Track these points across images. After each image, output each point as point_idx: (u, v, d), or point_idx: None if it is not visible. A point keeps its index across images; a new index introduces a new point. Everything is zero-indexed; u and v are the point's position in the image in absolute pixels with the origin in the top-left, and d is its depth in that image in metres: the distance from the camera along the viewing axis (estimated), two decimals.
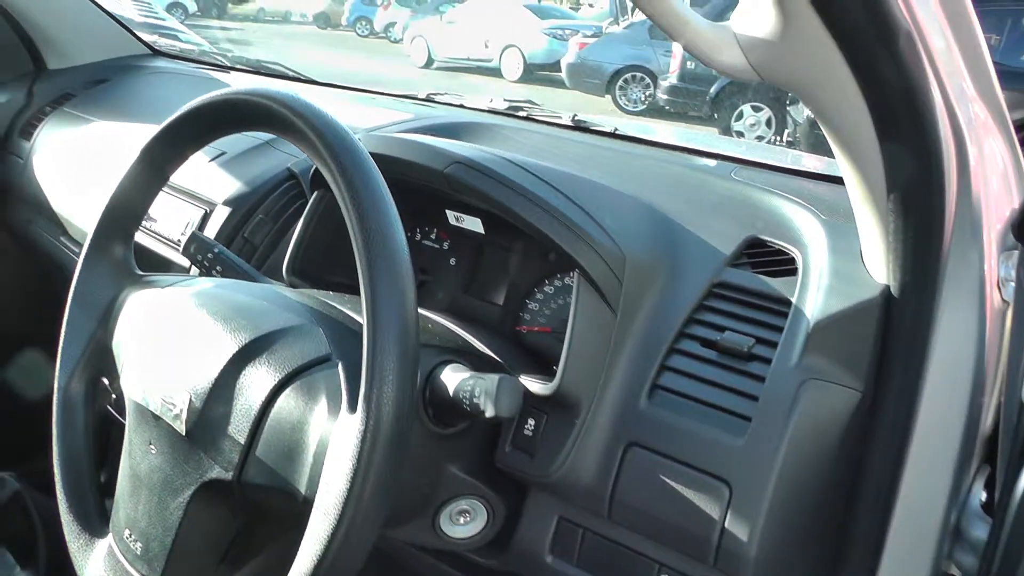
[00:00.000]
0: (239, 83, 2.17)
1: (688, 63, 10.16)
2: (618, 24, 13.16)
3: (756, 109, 9.62)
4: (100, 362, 1.10)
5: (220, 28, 21.92)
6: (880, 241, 0.93)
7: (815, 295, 1.02)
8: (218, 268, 1.23)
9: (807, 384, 0.96)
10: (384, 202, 0.84)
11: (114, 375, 1.07)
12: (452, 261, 1.34)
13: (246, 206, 1.51)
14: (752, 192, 1.26)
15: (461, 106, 1.95)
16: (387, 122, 1.70)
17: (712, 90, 9.81)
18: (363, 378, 0.78)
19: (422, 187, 1.18)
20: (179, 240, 1.55)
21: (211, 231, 1.50)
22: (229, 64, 2.56)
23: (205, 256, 1.23)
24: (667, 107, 10.69)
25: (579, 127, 1.72)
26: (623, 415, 1.05)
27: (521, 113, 1.83)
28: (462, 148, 1.19)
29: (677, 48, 10.36)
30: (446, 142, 1.23)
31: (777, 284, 1.08)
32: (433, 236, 1.37)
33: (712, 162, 1.46)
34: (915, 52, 0.72)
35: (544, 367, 1.17)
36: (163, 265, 1.57)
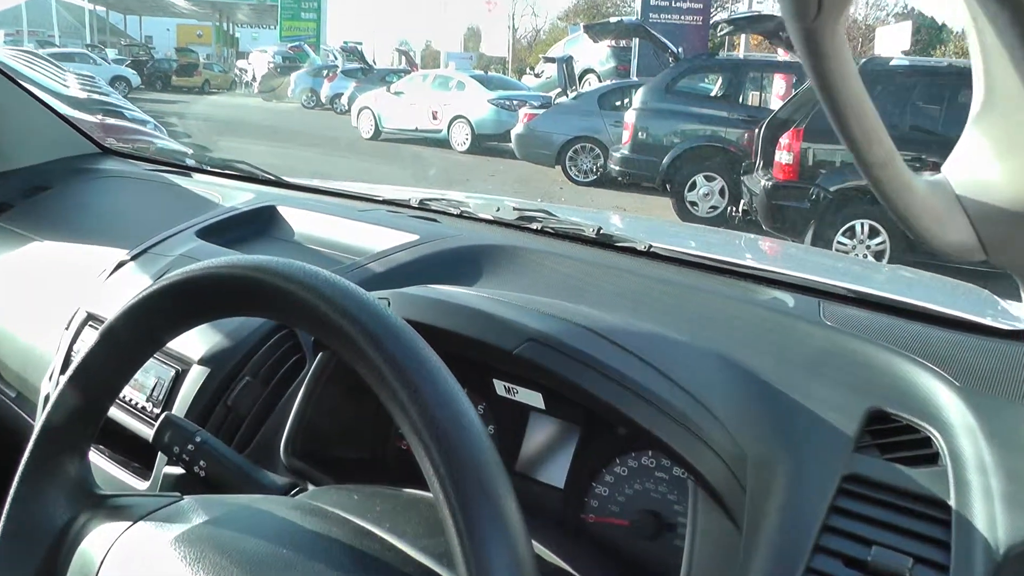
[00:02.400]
0: (203, 188, 1.91)
1: (640, 134, 10.15)
2: (567, 94, 13.20)
3: (709, 179, 9.63)
4: None
5: (165, 101, 21.77)
6: None
7: (984, 505, 0.83)
8: (202, 463, 0.96)
9: None
10: (469, 421, 0.63)
11: None
12: (490, 429, 1.09)
13: (229, 365, 1.24)
14: (857, 345, 1.04)
15: (463, 216, 1.71)
16: (391, 246, 1.46)
17: (664, 160, 9.80)
18: None
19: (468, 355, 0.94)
20: (143, 407, 1.28)
21: (185, 397, 1.24)
22: (189, 164, 2.30)
23: (184, 448, 0.96)
24: (619, 178, 10.69)
25: (605, 243, 1.49)
26: None
27: (534, 225, 1.59)
28: (531, 316, 0.97)
29: (628, 118, 10.36)
30: (510, 307, 1.02)
31: (922, 479, 0.87)
32: None
33: (788, 297, 1.23)
34: None
35: (623, 570, 0.97)
36: (121, 441, 1.29)
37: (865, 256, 7.09)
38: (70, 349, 1.46)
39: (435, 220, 1.68)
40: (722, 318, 1.15)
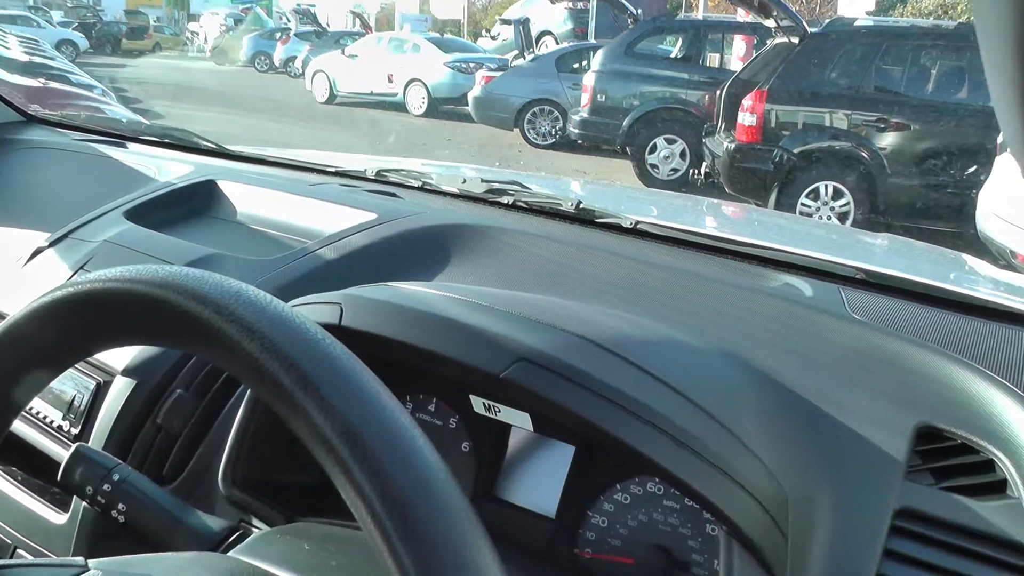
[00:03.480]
0: (138, 161, 1.72)
1: (599, 96, 10.01)
2: (524, 57, 12.98)
3: (670, 141, 9.51)
4: None
5: (114, 65, 21.19)
6: None
7: None
8: (121, 507, 0.79)
9: None
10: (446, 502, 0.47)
11: None
12: (465, 447, 0.94)
13: (158, 376, 1.07)
14: (894, 345, 0.89)
15: (425, 188, 1.54)
16: (345, 227, 1.29)
17: (624, 123, 9.66)
18: None
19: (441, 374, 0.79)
20: (59, 426, 1.10)
21: (108, 414, 1.07)
22: (123, 132, 2.09)
23: (99, 488, 0.80)
24: (578, 141, 10.54)
25: (585, 218, 1.33)
26: None
27: (505, 199, 1.43)
28: (519, 327, 0.81)
29: (587, 80, 10.19)
30: (492, 315, 0.85)
31: (989, 513, 0.73)
32: (432, 407, 0.96)
33: (803, 283, 1.08)
34: None
35: None
36: (34, 462, 1.12)
37: (830, 218, 7.03)
38: None
39: (394, 195, 1.51)
40: (734, 312, 0.99)
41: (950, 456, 0.79)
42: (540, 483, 0.91)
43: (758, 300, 1.02)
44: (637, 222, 1.31)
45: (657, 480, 0.85)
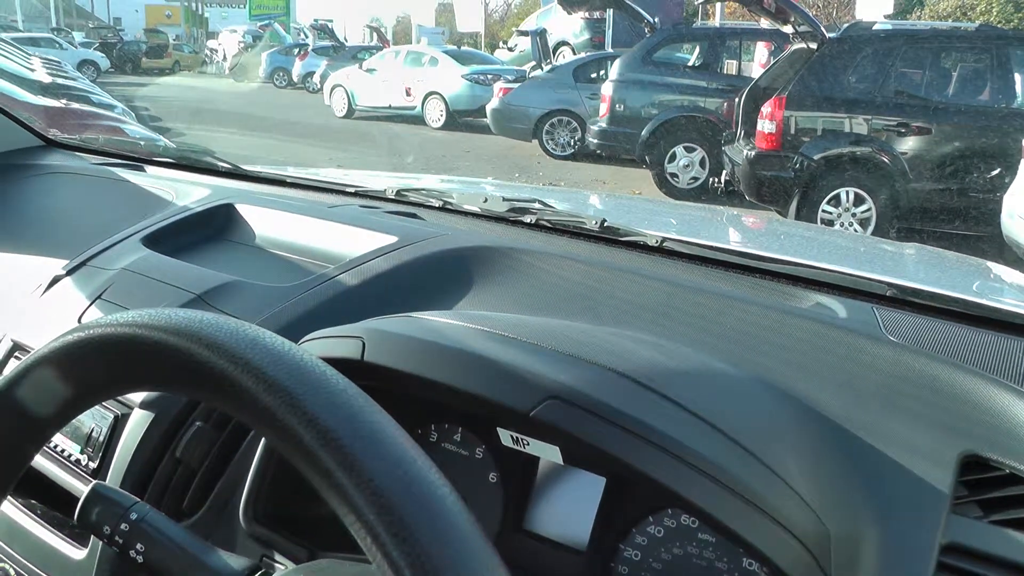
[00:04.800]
0: (155, 184, 1.71)
1: (617, 106, 9.99)
2: (541, 68, 12.99)
3: (689, 150, 9.49)
4: None
5: (134, 84, 21.40)
6: None
7: None
8: (139, 547, 0.77)
9: None
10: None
11: None
12: (492, 477, 0.91)
13: (176, 408, 1.05)
14: (936, 368, 0.86)
15: (446, 208, 1.52)
16: (366, 251, 1.27)
17: (643, 132, 9.64)
18: None
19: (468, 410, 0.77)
20: (77, 460, 1.09)
21: (126, 448, 1.05)
22: (141, 154, 2.09)
23: (117, 527, 0.77)
24: (597, 151, 10.52)
25: (610, 237, 1.31)
26: None
27: (527, 218, 1.41)
28: (548, 362, 0.79)
29: (605, 90, 10.18)
30: (520, 348, 0.83)
31: None
32: (457, 437, 0.94)
33: (835, 303, 1.05)
34: None
35: None
36: (53, 495, 1.10)
37: (851, 225, 6.97)
38: None
39: (415, 215, 1.49)
40: (767, 336, 0.96)
41: (998, 487, 0.76)
42: (570, 515, 0.88)
43: (791, 322, 0.99)
44: (663, 240, 1.28)
45: (689, 512, 0.82)
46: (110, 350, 0.55)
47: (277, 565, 0.87)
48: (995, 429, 0.79)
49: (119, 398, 1.10)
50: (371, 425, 0.48)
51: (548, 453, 0.84)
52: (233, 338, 0.50)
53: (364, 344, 0.84)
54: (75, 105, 8.51)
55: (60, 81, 10.83)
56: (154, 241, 1.42)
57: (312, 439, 0.46)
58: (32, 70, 10.88)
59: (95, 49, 27.57)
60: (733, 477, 0.71)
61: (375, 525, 0.44)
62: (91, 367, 0.57)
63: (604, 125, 10.17)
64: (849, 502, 0.74)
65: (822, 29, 7.39)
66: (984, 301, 1.04)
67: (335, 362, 0.61)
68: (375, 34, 27.35)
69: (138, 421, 1.06)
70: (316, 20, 26.47)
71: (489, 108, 12.68)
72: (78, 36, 31.72)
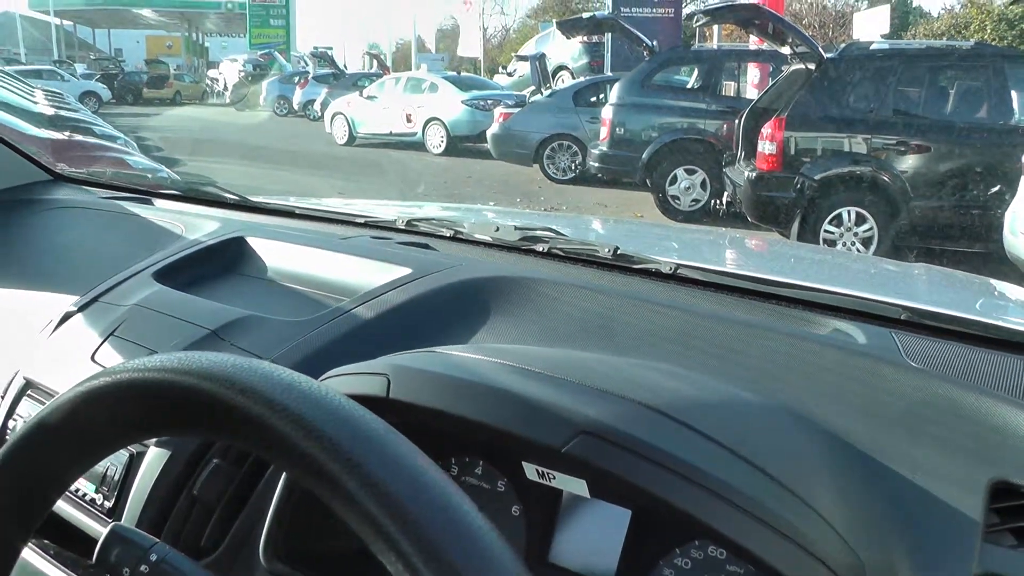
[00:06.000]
0: (164, 217, 1.72)
1: (617, 129, 10.02)
2: (541, 92, 13.05)
3: (690, 172, 9.49)
4: None
5: (136, 115, 21.50)
6: None
7: None
8: None
9: None
10: None
11: None
12: (515, 510, 0.91)
13: (192, 445, 1.05)
14: (959, 394, 0.86)
15: (457, 238, 1.53)
16: (380, 283, 1.27)
17: (644, 155, 9.65)
18: None
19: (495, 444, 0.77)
20: (92, 499, 1.09)
21: (142, 487, 1.05)
22: (149, 187, 2.10)
23: (136, 569, 0.77)
24: (599, 175, 10.54)
25: (623, 265, 1.31)
26: None
27: (539, 247, 1.42)
28: (578, 397, 0.79)
29: (605, 113, 10.21)
30: (548, 384, 0.83)
31: None
32: (479, 471, 0.93)
33: (854, 329, 1.05)
34: None
35: None
36: (67, 534, 1.10)
37: (854, 244, 6.97)
38: (4, 423, 1.26)
39: (427, 245, 1.49)
40: (789, 364, 0.97)
41: None
42: (596, 548, 0.87)
43: (812, 349, 0.99)
44: (677, 267, 1.28)
45: (715, 546, 0.82)
46: (141, 394, 0.55)
47: None
48: (1022, 454, 0.79)
49: None
50: (413, 470, 0.48)
51: (574, 487, 0.84)
52: (268, 382, 0.51)
53: (389, 381, 0.84)
54: (78, 137, 8.55)
55: (63, 113, 10.89)
56: (165, 276, 1.42)
57: (355, 485, 0.47)
58: (35, 102, 10.94)
59: (96, 80, 27.73)
60: (765, 508, 0.71)
61: (423, 571, 0.45)
62: (120, 411, 0.57)
63: (605, 149, 10.19)
64: (881, 531, 0.74)
65: (819, 50, 7.42)
66: (999, 323, 1.05)
67: (361, 399, 0.61)
68: (375, 61, 27.51)
69: (154, 459, 1.06)
70: (316, 48, 26.68)
71: (490, 133, 12.73)
72: (80, 68, 31.91)
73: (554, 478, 0.85)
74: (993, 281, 1.58)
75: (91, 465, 0.62)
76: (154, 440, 1.07)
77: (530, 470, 0.86)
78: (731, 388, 0.90)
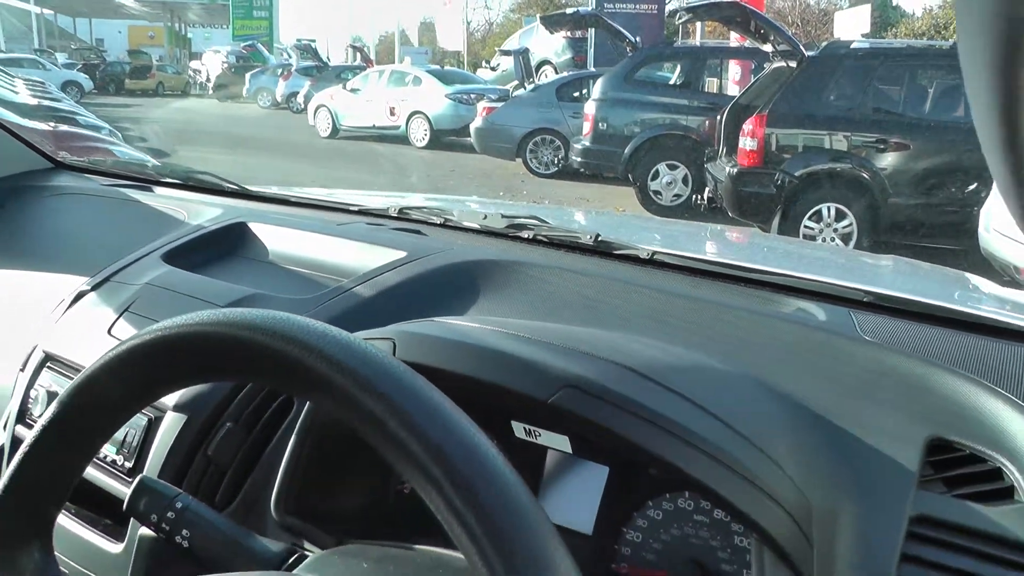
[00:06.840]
0: (166, 204, 1.78)
1: (600, 124, 10.08)
2: (524, 87, 13.09)
3: (672, 168, 9.57)
4: None
5: (118, 105, 21.39)
6: None
7: None
8: (184, 533, 0.84)
9: None
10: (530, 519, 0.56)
11: None
12: None
13: (207, 410, 1.12)
14: (905, 363, 0.95)
15: (447, 225, 1.60)
16: (377, 265, 1.34)
17: (626, 150, 9.72)
18: None
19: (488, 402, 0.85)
20: (113, 460, 1.16)
21: (160, 448, 1.12)
22: (149, 175, 2.16)
23: (164, 515, 0.85)
24: (581, 169, 10.60)
25: (604, 251, 1.39)
26: None
27: (525, 234, 1.49)
28: (564, 357, 0.88)
29: (588, 108, 10.28)
30: (538, 346, 0.91)
31: (999, 518, 0.79)
32: None
33: (815, 308, 1.14)
34: None
35: None
36: (89, 495, 1.17)
37: (833, 240, 7.08)
38: (27, 393, 1.33)
39: (419, 232, 1.57)
40: (755, 339, 1.05)
41: (960, 466, 0.84)
42: (576, 503, 0.96)
43: (776, 326, 1.08)
44: (654, 253, 1.36)
45: (687, 496, 0.91)
46: (198, 346, 0.63)
47: (307, 552, 0.95)
48: (958, 416, 0.88)
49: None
50: (470, 438, 0.59)
51: (558, 443, 0.92)
52: (306, 332, 0.59)
53: (395, 344, 0.92)
54: (63, 127, 8.54)
55: (46, 103, 10.85)
56: (173, 257, 1.49)
57: (421, 452, 0.56)
58: (16, 92, 10.89)
59: (78, 70, 27.55)
60: (730, 455, 0.79)
61: (475, 528, 0.54)
62: (173, 360, 0.65)
63: (587, 143, 10.24)
64: (829, 479, 0.82)
65: (801, 48, 7.52)
66: (949, 304, 1.13)
67: None
68: (358, 54, 27.45)
69: (171, 423, 1.14)
70: (299, 40, 26.56)
71: (473, 127, 12.77)
72: (61, 57, 31.68)
73: (540, 436, 0.93)
74: (953, 271, 1.67)
75: (133, 414, 0.70)
76: (171, 405, 1.14)
77: (518, 428, 0.94)
78: (702, 357, 0.98)
